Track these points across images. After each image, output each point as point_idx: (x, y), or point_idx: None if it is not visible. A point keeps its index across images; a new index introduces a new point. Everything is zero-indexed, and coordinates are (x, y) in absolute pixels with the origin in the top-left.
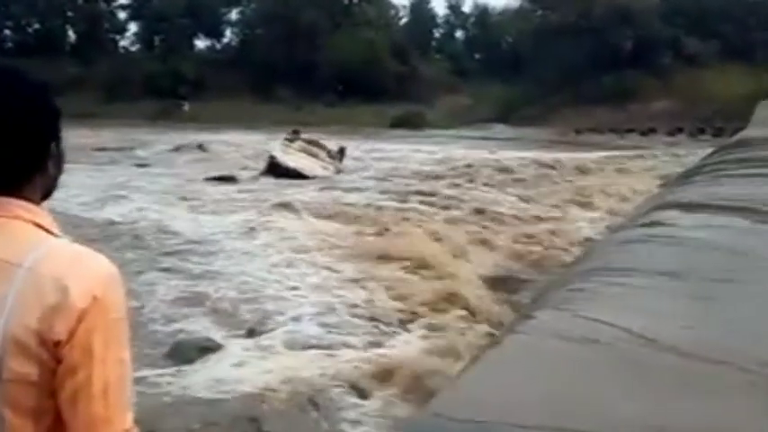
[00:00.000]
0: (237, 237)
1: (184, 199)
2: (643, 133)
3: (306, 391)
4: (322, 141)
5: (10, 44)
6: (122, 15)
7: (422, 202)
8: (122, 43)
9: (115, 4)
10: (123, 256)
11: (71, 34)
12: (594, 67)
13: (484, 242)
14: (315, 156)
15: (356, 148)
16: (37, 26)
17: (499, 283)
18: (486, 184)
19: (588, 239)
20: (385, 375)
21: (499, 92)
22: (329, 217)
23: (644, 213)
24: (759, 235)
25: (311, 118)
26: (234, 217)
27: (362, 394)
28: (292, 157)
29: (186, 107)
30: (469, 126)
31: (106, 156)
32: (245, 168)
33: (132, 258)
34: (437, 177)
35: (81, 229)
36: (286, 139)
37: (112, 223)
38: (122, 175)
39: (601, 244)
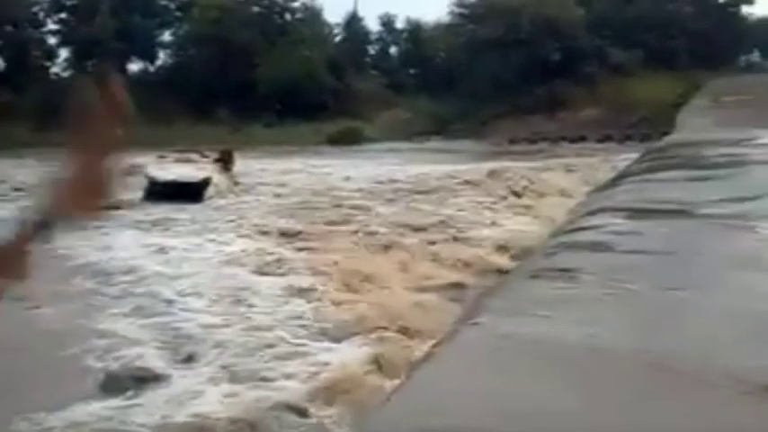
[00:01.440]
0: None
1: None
2: (573, 140)
3: (245, 416)
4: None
5: None
6: (52, 41)
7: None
8: (54, 69)
9: (44, 29)
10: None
11: (0, 62)
12: (525, 79)
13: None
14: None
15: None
16: None
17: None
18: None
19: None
20: (325, 394)
21: (434, 106)
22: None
23: (576, 218)
24: (688, 236)
25: (249, 138)
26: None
27: (303, 415)
28: (167, 172)
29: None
30: (407, 140)
31: None
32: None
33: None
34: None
35: None
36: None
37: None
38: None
39: (535, 249)
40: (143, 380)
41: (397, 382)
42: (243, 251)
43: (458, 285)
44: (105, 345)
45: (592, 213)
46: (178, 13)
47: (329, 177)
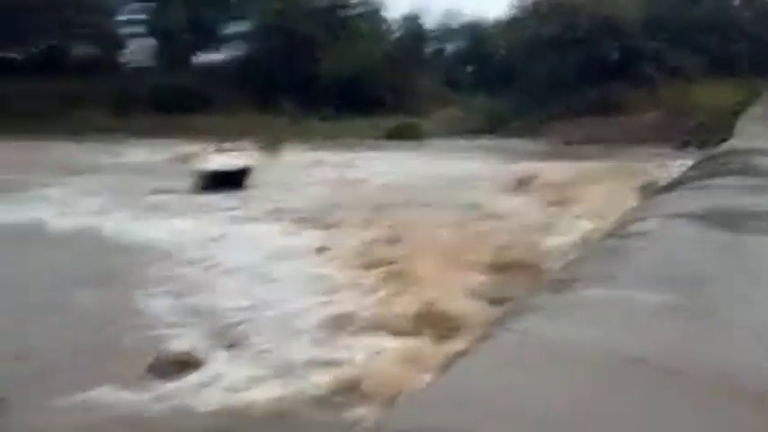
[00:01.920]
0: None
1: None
2: (630, 144)
3: (278, 406)
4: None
5: (20, 61)
6: (129, 31)
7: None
8: (129, 58)
9: (122, 19)
10: (101, 266)
11: (79, 50)
12: (582, 79)
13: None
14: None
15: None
16: (46, 43)
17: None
18: None
19: (572, 248)
20: (358, 388)
21: (490, 104)
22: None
23: (628, 223)
24: (741, 245)
25: (309, 131)
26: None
27: (336, 408)
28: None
29: (191, 120)
30: (461, 137)
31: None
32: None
33: (109, 269)
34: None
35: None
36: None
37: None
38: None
39: (584, 254)
40: (187, 364)
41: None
42: (286, 238)
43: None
44: (153, 328)
45: (644, 218)
46: (248, 6)
47: (374, 171)
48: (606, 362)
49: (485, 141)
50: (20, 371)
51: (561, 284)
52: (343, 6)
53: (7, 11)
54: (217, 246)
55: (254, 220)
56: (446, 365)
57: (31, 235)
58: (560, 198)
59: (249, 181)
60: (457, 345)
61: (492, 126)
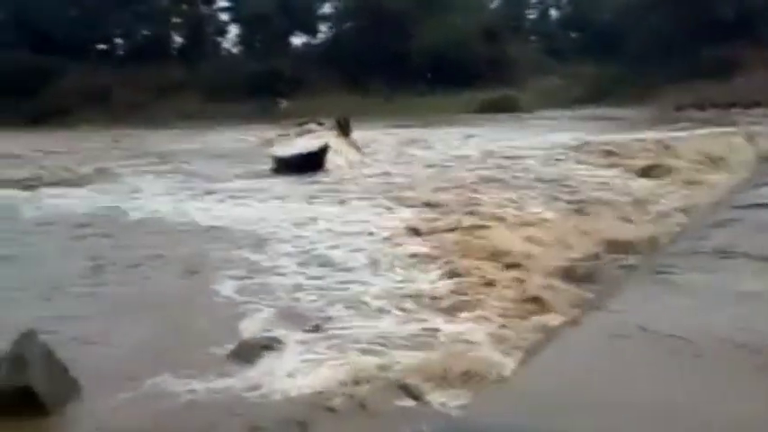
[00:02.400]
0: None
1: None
2: (747, 107)
3: (359, 395)
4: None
5: (120, 51)
6: (224, 17)
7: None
8: (225, 45)
9: (216, 6)
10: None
11: (177, 39)
12: (696, 41)
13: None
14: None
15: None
16: (145, 32)
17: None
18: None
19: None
20: (445, 375)
21: (595, 71)
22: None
23: (742, 193)
24: None
25: (401, 108)
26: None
27: (419, 397)
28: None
29: (284, 104)
30: (563, 108)
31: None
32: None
33: (193, 253)
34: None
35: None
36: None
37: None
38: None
39: (692, 226)
40: (271, 348)
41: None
42: (376, 217)
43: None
44: (238, 312)
45: (756, 187)
46: None
47: (469, 146)
48: (707, 348)
49: (588, 111)
50: (99, 354)
51: (664, 260)
52: None
53: (110, 3)
54: (300, 229)
55: (341, 200)
56: (537, 347)
57: (118, 221)
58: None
59: (333, 162)
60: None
61: (597, 95)
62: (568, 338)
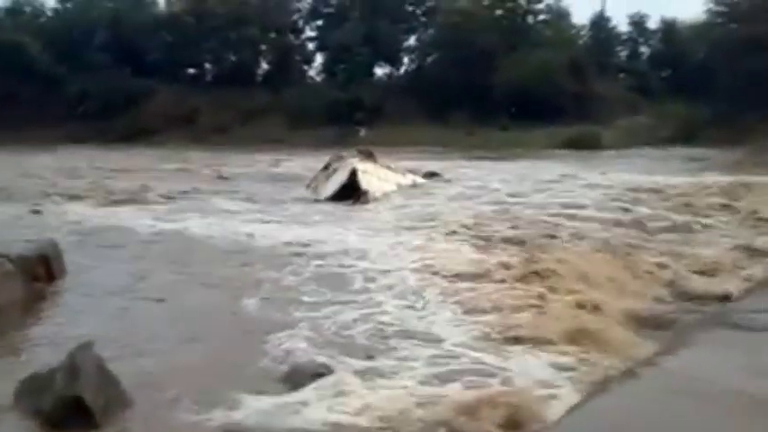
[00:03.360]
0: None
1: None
2: None
3: (405, 429)
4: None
5: (209, 76)
6: (310, 47)
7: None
8: (309, 73)
9: (303, 36)
10: (247, 275)
11: (263, 65)
12: None
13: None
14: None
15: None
16: (233, 59)
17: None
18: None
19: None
20: (496, 416)
21: (684, 110)
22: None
23: None
24: None
25: (482, 141)
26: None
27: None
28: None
29: (362, 133)
30: (649, 147)
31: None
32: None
33: (250, 278)
34: None
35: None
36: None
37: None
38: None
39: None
40: (323, 376)
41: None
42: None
43: None
44: (289, 337)
45: None
46: (423, 19)
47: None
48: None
49: (675, 151)
50: (146, 370)
51: (736, 315)
52: (525, 14)
53: (200, 30)
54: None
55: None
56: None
57: (179, 243)
58: None
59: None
60: None
61: (685, 134)
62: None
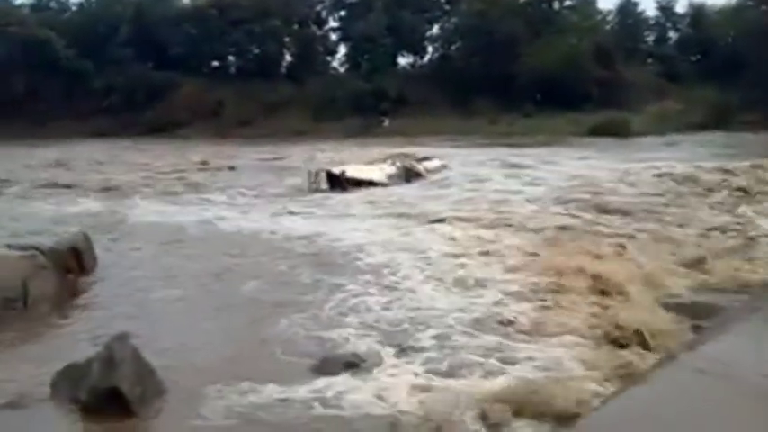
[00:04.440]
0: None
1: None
2: None
3: (437, 418)
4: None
5: (233, 69)
6: (333, 38)
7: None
8: (333, 64)
9: (326, 27)
10: (272, 266)
11: (287, 57)
12: None
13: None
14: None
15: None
16: (256, 51)
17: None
18: None
19: None
20: (526, 406)
21: (715, 95)
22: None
23: None
24: None
25: (507, 129)
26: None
27: (495, 427)
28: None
29: (387, 123)
30: (679, 133)
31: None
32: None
33: (283, 269)
34: None
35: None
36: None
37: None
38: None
39: None
40: (354, 365)
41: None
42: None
43: None
44: (321, 328)
45: None
46: (447, 7)
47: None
48: None
49: (706, 136)
50: (181, 360)
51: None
52: (550, 1)
53: (223, 23)
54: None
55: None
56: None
57: (204, 235)
58: None
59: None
60: None
61: (715, 120)
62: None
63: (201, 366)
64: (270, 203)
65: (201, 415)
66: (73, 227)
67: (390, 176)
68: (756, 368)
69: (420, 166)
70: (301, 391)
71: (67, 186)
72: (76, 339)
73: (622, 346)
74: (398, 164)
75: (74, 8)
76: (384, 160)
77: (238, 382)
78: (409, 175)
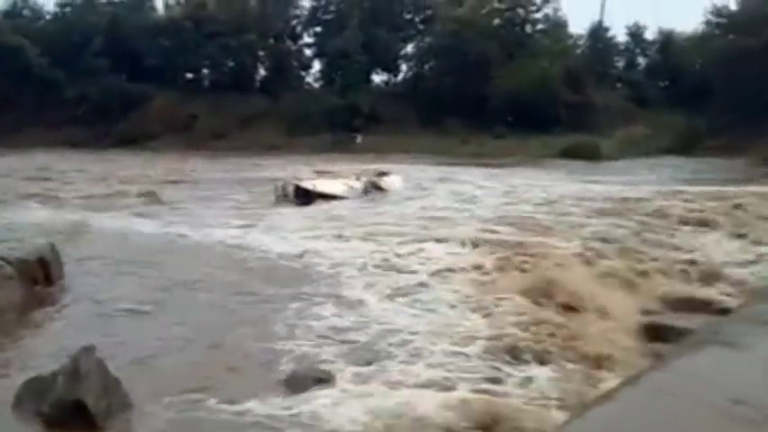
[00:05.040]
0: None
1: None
2: None
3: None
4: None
5: (207, 81)
6: (308, 53)
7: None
8: (307, 79)
9: (301, 42)
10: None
11: (261, 71)
12: None
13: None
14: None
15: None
16: (231, 64)
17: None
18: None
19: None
20: (490, 422)
21: (683, 121)
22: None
23: None
24: None
25: (477, 149)
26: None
27: None
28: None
29: (359, 139)
30: (648, 157)
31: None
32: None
33: (248, 281)
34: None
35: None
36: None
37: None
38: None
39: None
40: (323, 381)
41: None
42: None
43: None
44: (289, 342)
45: None
46: (421, 26)
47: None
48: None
49: (673, 161)
50: (146, 373)
51: (739, 324)
52: (523, 23)
53: (199, 36)
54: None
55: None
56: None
57: (167, 246)
58: None
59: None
60: None
61: (683, 145)
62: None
63: (167, 380)
64: (234, 215)
65: (166, 430)
66: (37, 237)
67: (351, 190)
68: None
69: (381, 182)
70: (262, 408)
71: (32, 196)
72: (42, 351)
73: None
74: (362, 179)
75: (48, 16)
76: (348, 175)
77: (205, 396)
78: (368, 190)
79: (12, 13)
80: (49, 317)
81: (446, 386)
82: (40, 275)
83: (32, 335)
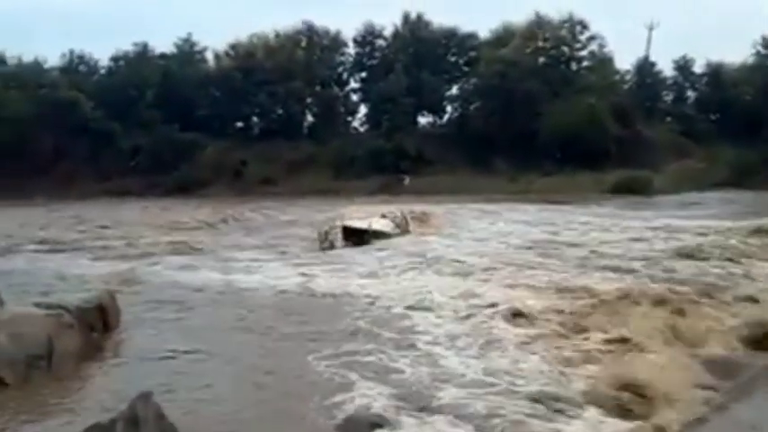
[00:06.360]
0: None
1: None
2: None
3: None
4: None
5: (256, 129)
6: (354, 98)
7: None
8: (354, 124)
9: (348, 88)
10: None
11: (309, 117)
12: None
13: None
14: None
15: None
16: (279, 112)
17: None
18: None
19: None
20: None
21: (735, 154)
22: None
23: None
24: None
25: (526, 187)
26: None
27: None
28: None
29: (407, 181)
30: (700, 191)
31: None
32: None
33: (307, 328)
34: None
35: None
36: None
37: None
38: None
39: None
40: (378, 426)
41: None
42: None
43: None
44: (341, 388)
45: None
46: (466, 68)
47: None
48: None
49: (732, 195)
50: (203, 420)
51: None
52: (568, 61)
53: (248, 84)
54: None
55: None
56: None
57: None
58: None
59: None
60: None
61: (738, 178)
62: None
63: (224, 426)
64: (284, 261)
65: None
66: (95, 284)
67: (396, 227)
68: None
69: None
70: None
71: (88, 245)
72: (100, 398)
73: None
74: (402, 215)
75: (102, 71)
76: (390, 214)
77: None
78: (405, 228)
79: (68, 69)
80: (106, 363)
81: None
82: (98, 323)
83: (89, 382)
